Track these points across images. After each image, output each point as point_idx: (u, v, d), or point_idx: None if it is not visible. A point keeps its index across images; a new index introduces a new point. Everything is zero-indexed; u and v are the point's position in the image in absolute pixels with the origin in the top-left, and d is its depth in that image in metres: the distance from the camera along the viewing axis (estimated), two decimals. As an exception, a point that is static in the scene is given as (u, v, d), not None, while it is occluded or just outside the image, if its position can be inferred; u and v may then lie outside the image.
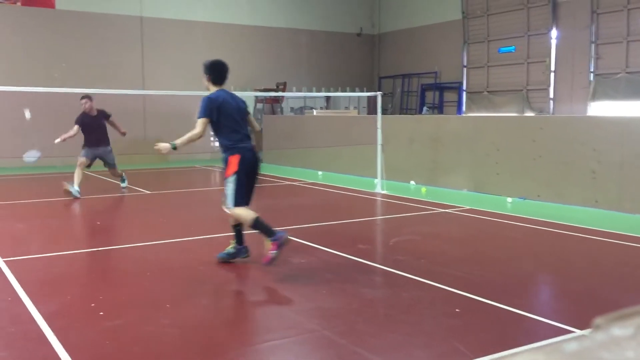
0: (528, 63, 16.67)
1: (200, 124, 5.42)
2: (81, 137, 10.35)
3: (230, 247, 5.71)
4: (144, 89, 16.80)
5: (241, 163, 5.37)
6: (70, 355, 3.49)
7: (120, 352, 3.64)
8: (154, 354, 3.63)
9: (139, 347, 3.72)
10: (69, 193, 9.63)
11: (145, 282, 5.17)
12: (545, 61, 16.19)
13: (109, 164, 10.64)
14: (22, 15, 15.60)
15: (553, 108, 16.15)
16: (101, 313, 4.27)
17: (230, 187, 5.38)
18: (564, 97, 15.91)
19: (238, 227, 5.64)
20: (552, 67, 16.09)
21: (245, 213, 5.34)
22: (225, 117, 5.46)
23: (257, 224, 5.27)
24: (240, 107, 5.65)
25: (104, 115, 10.53)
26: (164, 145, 5.40)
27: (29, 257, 6.04)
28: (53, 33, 16.02)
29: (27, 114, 9.86)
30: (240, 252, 5.70)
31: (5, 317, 4.23)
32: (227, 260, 5.66)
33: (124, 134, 10.73)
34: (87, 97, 10.30)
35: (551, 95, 16.22)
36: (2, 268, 5.47)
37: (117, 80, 16.01)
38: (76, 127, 10.17)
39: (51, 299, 4.67)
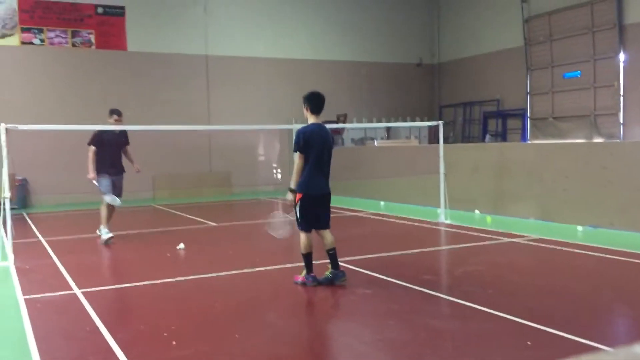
0: (595, 88, 16.22)
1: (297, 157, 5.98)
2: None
3: (328, 272, 6.09)
4: (209, 124, 17.35)
5: (306, 198, 6.01)
6: (146, 383, 3.60)
7: (192, 381, 3.73)
8: (224, 384, 3.70)
9: (211, 377, 3.80)
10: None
11: (215, 312, 5.29)
12: (613, 85, 15.72)
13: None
14: (96, 57, 16.50)
15: (623, 133, 15.60)
16: (174, 343, 4.40)
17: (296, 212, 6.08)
18: (635, 121, 15.36)
19: (331, 252, 6.08)
20: (621, 92, 15.60)
21: (303, 241, 6.04)
22: (313, 150, 5.97)
23: (304, 257, 6.02)
24: (327, 141, 6.10)
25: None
26: (290, 197, 6.02)
27: (103, 288, 6.30)
28: (124, 73, 16.85)
29: (181, 246, 8.68)
30: (337, 277, 6.03)
31: (86, 347, 4.42)
32: (323, 283, 6.04)
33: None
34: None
35: (621, 120, 15.68)
36: (80, 299, 5.72)
37: (184, 116, 16.62)
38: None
39: (126, 329, 4.84)
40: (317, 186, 6.02)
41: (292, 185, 5.97)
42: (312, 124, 6.03)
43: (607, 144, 12.09)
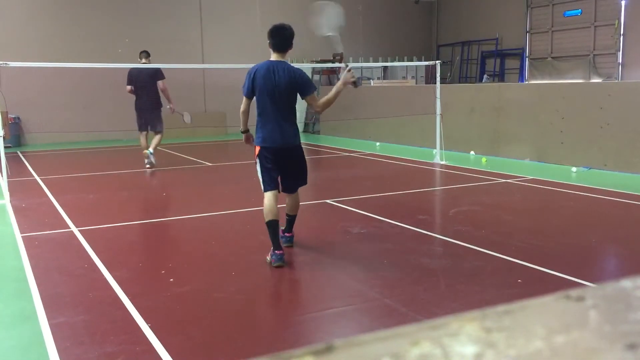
0: (595, 26, 15.96)
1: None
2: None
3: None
4: (203, 62, 17.07)
5: (261, 153, 4.91)
6: (144, 318, 3.69)
7: (190, 316, 3.82)
8: (222, 319, 3.79)
9: (208, 312, 3.89)
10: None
11: (211, 250, 5.36)
12: (614, 24, 15.46)
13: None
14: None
15: (622, 74, 15.46)
16: (171, 280, 4.47)
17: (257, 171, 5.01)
18: (634, 61, 15.19)
19: (288, 217, 5.26)
20: (622, 31, 15.36)
21: (265, 205, 4.86)
22: (258, 94, 4.92)
23: (268, 225, 4.82)
24: (279, 83, 4.84)
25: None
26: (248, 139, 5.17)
27: (100, 226, 6.34)
28: (115, 9, 16.43)
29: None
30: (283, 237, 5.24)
31: (83, 283, 4.49)
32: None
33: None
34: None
35: (620, 60, 15.51)
36: (77, 237, 5.78)
37: (177, 54, 16.33)
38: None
39: (124, 266, 4.91)
40: (270, 137, 4.86)
41: (242, 127, 5.18)
42: (264, 62, 4.95)
43: (604, 85, 11.99)
